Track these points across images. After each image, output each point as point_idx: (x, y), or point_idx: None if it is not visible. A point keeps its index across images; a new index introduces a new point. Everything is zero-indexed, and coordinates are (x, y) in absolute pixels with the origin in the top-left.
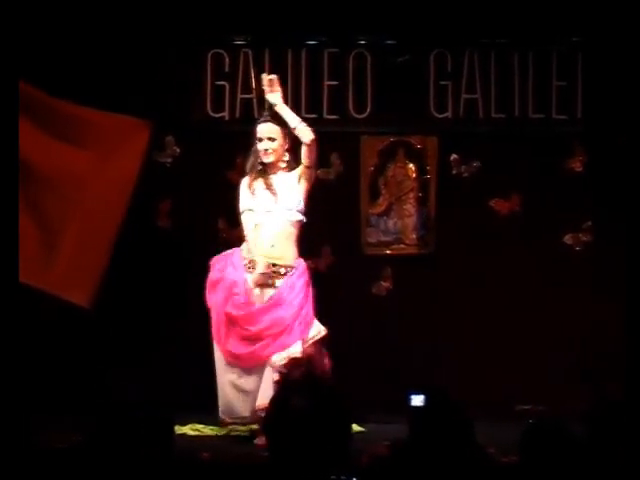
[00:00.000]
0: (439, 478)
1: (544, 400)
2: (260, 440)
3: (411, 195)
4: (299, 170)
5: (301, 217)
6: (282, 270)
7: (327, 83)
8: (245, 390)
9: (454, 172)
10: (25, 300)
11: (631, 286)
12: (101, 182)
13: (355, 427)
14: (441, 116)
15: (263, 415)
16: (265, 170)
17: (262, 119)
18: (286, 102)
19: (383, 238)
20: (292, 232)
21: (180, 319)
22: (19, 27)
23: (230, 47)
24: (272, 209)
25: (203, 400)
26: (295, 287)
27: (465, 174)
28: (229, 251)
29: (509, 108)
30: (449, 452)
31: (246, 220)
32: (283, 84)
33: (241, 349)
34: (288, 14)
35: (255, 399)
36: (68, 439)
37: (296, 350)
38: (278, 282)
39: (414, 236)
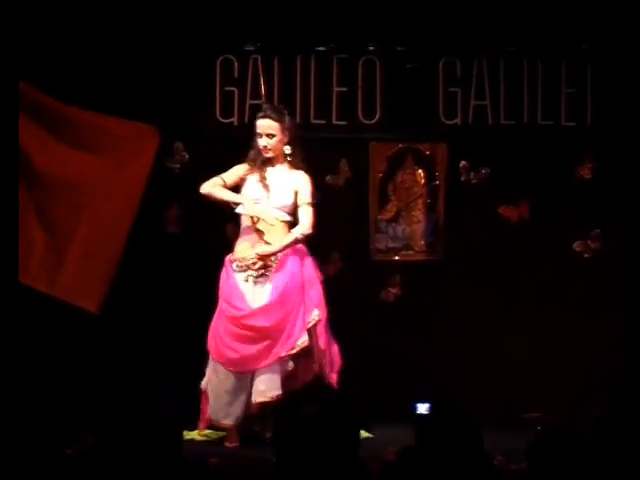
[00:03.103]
0: None
1: (553, 408)
2: (230, 442)
3: (420, 201)
4: (297, 187)
5: (289, 218)
6: (273, 258)
7: (336, 89)
8: (236, 391)
9: (463, 179)
10: (33, 304)
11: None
12: (110, 188)
13: (363, 433)
14: (450, 123)
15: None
16: (264, 163)
17: (261, 114)
18: (295, 108)
19: (392, 244)
20: (280, 228)
21: (189, 324)
22: (27, 32)
23: (239, 53)
24: (259, 203)
25: None
26: (285, 279)
27: (474, 181)
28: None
29: (518, 115)
30: (456, 459)
31: (240, 209)
32: (288, 90)
33: (247, 350)
34: (297, 20)
35: (244, 399)
36: (76, 445)
37: (304, 340)
38: (272, 261)
39: (423, 242)
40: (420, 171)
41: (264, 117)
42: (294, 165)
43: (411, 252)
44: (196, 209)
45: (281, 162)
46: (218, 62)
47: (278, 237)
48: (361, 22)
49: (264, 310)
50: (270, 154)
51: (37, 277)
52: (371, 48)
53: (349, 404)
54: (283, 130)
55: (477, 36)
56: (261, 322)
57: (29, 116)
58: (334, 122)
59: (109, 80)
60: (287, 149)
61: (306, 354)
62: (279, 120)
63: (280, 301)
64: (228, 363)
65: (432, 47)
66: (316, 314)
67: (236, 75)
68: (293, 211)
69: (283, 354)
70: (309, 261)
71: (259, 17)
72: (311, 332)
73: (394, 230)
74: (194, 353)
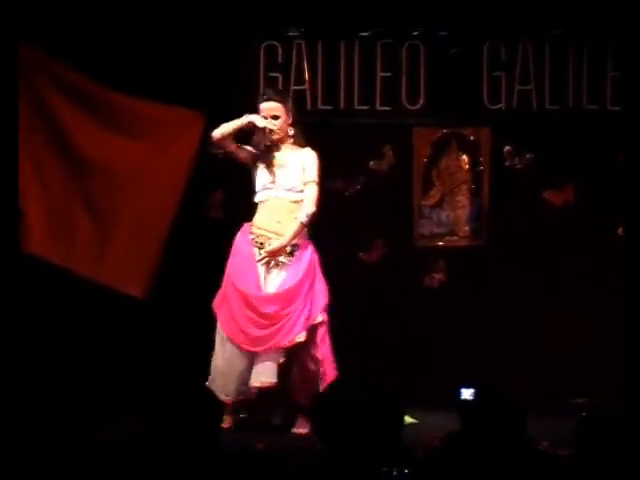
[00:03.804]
0: (491, 471)
1: (596, 393)
2: (226, 423)
3: (464, 187)
4: (305, 165)
5: (302, 196)
6: (288, 248)
7: (380, 74)
8: (236, 369)
9: (507, 164)
10: (78, 292)
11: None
12: (155, 174)
13: (407, 419)
14: (494, 107)
15: (255, 391)
16: (270, 147)
17: (264, 97)
18: (339, 94)
19: (436, 230)
20: (295, 208)
21: None
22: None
23: (283, 39)
24: (272, 187)
25: None
26: (299, 271)
27: (518, 166)
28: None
29: (563, 99)
30: (500, 445)
31: (256, 198)
32: (332, 76)
33: (253, 331)
34: (341, 5)
35: (241, 379)
36: (120, 433)
37: (302, 336)
38: (282, 259)
39: (467, 228)
40: (464, 156)
41: (268, 100)
42: (299, 144)
43: (455, 238)
44: (240, 194)
45: (286, 144)
46: (262, 48)
47: (291, 219)
48: (405, 7)
49: (274, 297)
50: (276, 136)
51: (83, 263)
52: (415, 33)
53: (392, 390)
54: (287, 112)
55: (521, 19)
56: (269, 308)
57: (71, 101)
58: (378, 108)
59: (154, 66)
60: (290, 130)
61: (303, 351)
62: (282, 101)
63: (291, 293)
64: (239, 340)
65: (476, 31)
66: (320, 317)
67: (280, 61)
68: (304, 189)
69: (283, 344)
70: (317, 261)
71: (303, 2)
72: (312, 333)
73: (438, 216)
74: None
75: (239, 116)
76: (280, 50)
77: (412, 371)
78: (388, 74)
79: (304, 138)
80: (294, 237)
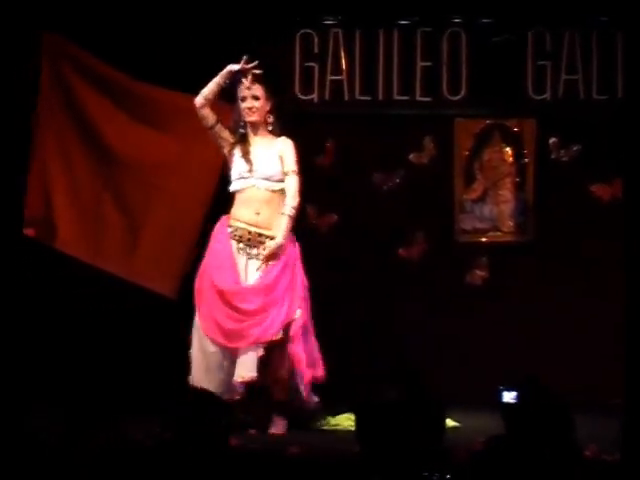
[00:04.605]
0: (536, 476)
1: None
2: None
3: (508, 180)
4: (282, 153)
5: (279, 187)
6: (268, 241)
7: (420, 64)
8: (219, 364)
9: (553, 156)
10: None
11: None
12: (187, 168)
13: (450, 422)
14: (539, 98)
15: (242, 389)
16: (247, 134)
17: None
18: (378, 84)
19: (478, 225)
20: (273, 198)
21: None
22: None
23: (320, 27)
24: (249, 176)
25: None
26: (278, 266)
27: (565, 158)
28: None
29: (612, 89)
30: (546, 449)
31: (231, 187)
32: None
33: (229, 324)
34: None
35: (224, 374)
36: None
37: (279, 334)
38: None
39: (511, 223)
40: (508, 148)
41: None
42: (276, 134)
43: (499, 233)
44: None
45: (263, 132)
46: (297, 37)
47: (273, 210)
48: None
49: (252, 291)
50: (254, 117)
51: (112, 261)
52: (456, 21)
53: (434, 391)
54: (267, 96)
55: (568, 6)
56: (247, 304)
57: (97, 91)
58: (418, 98)
59: (186, 56)
60: (269, 117)
61: (280, 349)
62: (264, 84)
63: (269, 287)
64: (215, 336)
65: (520, 18)
66: (298, 313)
67: (316, 50)
68: (282, 178)
69: (262, 340)
70: (301, 266)
71: None
72: (287, 330)
73: (481, 210)
74: None
75: (274, 107)
76: (316, 39)
77: (454, 371)
78: (428, 63)
79: (280, 128)
80: (287, 233)
